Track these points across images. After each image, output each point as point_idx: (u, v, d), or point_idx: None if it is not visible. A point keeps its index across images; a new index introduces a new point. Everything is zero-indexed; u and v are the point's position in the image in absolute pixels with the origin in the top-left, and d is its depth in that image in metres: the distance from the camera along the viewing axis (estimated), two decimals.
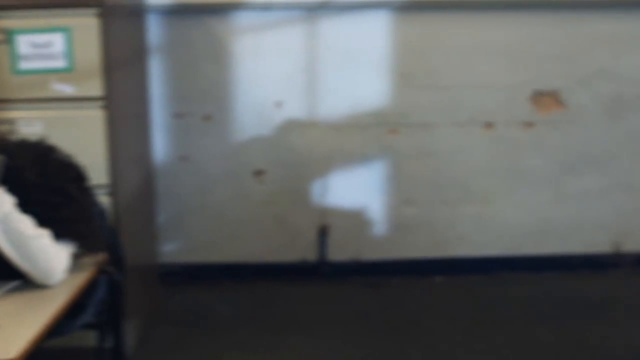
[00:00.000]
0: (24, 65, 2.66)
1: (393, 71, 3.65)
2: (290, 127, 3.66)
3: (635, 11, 3.67)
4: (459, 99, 3.69)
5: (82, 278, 2.04)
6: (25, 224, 1.92)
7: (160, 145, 3.64)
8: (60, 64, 2.66)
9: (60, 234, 2.00)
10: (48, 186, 2.01)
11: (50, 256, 1.96)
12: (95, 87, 2.68)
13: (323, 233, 3.78)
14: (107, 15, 2.68)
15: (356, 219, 3.80)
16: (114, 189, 2.74)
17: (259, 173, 3.71)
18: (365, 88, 3.66)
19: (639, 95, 3.77)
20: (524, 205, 3.85)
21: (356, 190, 3.75)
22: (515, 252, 3.90)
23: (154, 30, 3.52)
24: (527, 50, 3.67)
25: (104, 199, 2.58)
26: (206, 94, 3.62)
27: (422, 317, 3.46)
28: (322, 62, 3.62)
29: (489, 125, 3.73)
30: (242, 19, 3.55)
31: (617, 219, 3.94)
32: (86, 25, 2.65)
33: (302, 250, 3.81)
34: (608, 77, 3.74)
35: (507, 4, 3.60)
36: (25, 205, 1.94)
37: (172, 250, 3.78)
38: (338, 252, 3.82)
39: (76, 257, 2.08)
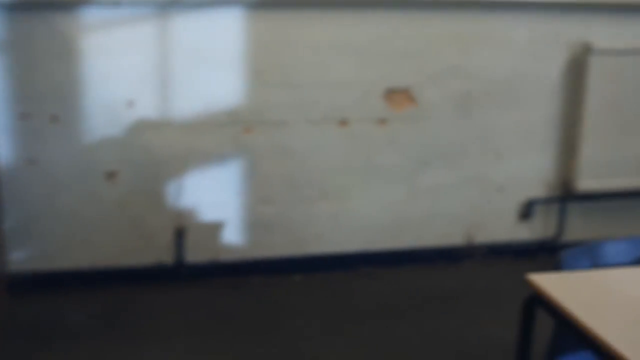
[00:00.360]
0: None
1: (247, 69, 3.61)
2: (143, 126, 3.56)
3: (482, 11, 3.78)
4: (314, 96, 3.70)
5: None
6: None
7: (4, 148, 3.45)
8: None
9: None
10: None
11: None
12: None
13: (180, 234, 3.70)
14: None
15: (213, 220, 3.74)
16: None
17: (111, 175, 3.59)
18: (219, 86, 3.60)
19: (486, 92, 3.90)
20: (380, 200, 3.91)
21: (213, 190, 3.69)
22: (372, 248, 3.95)
23: None
24: (380, 48, 3.72)
25: None
26: (53, 93, 3.46)
27: (282, 317, 3.45)
28: (175, 60, 3.53)
29: (343, 122, 3.76)
30: (91, 16, 3.41)
31: (469, 211, 4.06)
32: None
33: (158, 253, 3.72)
34: (457, 75, 3.84)
35: (359, 3, 3.63)
36: None
37: (20, 257, 3.59)
38: (196, 254, 3.74)
39: None
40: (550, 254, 4.06)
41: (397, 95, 3.79)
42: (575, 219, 4.22)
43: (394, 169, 3.88)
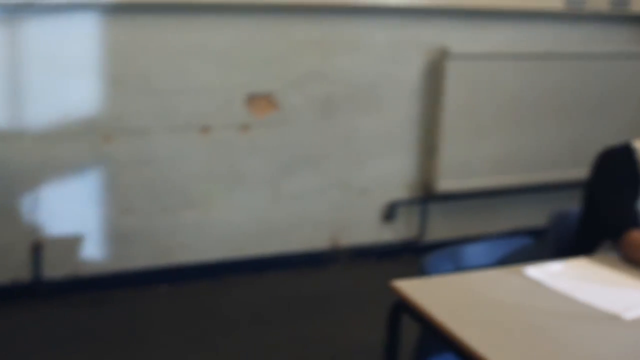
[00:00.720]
0: None
1: (105, 76, 3.49)
2: None
3: (342, 16, 3.81)
4: (174, 103, 3.62)
5: None
6: None
7: None
8: None
9: None
10: None
11: None
12: None
13: (36, 250, 3.54)
14: None
15: (72, 233, 3.60)
16: None
17: None
18: (76, 94, 3.46)
19: (348, 96, 3.93)
20: (244, 207, 3.87)
21: (71, 202, 3.55)
22: (238, 255, 3.91)
23: None
24: (241, 53, 3.68)
25: None
26: None
27: (148, 331, 3.36)
28: (27, 67, 3.37)
29: (205, 129, 3.70)
30: None
31: (333, 215, 4.09)
32: None
33: (14, 270, 3.53)
34: (319, 79, 3.85)
35: (220, 8, 3.58)
36: None
37: None
38: (54, 269, 3.58)
39: None
40: (413, 254, 4.15)
41: (260, 100, 3.77)
42: (436, 218, 4.33)
43: (258, 175, 3.86)
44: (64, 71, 3.42)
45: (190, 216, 3.78)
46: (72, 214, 3.56)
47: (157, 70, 3.56)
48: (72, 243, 3.60)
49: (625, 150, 2.36)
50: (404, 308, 1.93)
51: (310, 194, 3.99)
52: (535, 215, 4.44)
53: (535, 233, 2.66)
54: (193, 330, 3.38)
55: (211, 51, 3.62)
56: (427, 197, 4.23)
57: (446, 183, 4.15)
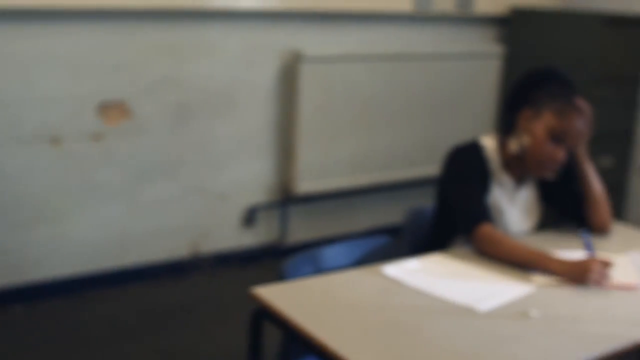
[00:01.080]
0: None
1: None
2: None
3: (194, 21, 3.76)
4: (21, 114, 3.46)
5: None
6: None
7: None
8: None
9: None
10: None
11: None
12: None
13: None
14: None
15: None
16: None
17: None
18: None
19: (202, 101, 3.89)
20: (100, 219, 3.76)
21: None
22: (96, 269, 3.80)
23: None
24: (89, 61, 3.57)
25: None
26: None
27: (6, 355, 3.19)
28: None
29: (55, 140, 3.56)
30: None
31: (193, 222, 4.04)
32: None
33: None
34: (173, 85, 3.79)
35: (65, 13, 3.46)
36: None
37: None
38: None
39: None
40: (275, 257, 4.16)
41: (112, 109, 3.67)
42: (296, 221, 4.35)
43: (113, 185, 3.75)
44: None
45: (43, 231, 3.63)
46: None
47: (0, 80, 3.41)
48: None
49: (474, 147, 2.43)
50: (264, 314, 1.91)
51: (168, 202, 3.93)
52: (392, 213, 4.54)
53: (392, 231, 2.71)
54: (53, 350, 3.25)
55: (58, 58, 3.50)
56: (286, 199, 4.25)
57: (305, 185, 4.17)
